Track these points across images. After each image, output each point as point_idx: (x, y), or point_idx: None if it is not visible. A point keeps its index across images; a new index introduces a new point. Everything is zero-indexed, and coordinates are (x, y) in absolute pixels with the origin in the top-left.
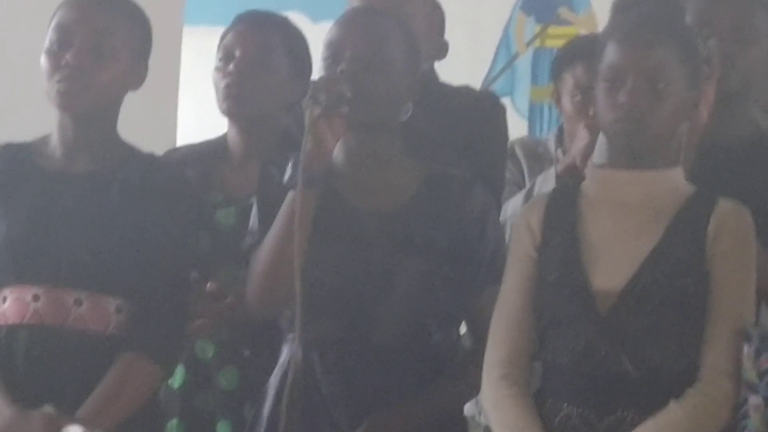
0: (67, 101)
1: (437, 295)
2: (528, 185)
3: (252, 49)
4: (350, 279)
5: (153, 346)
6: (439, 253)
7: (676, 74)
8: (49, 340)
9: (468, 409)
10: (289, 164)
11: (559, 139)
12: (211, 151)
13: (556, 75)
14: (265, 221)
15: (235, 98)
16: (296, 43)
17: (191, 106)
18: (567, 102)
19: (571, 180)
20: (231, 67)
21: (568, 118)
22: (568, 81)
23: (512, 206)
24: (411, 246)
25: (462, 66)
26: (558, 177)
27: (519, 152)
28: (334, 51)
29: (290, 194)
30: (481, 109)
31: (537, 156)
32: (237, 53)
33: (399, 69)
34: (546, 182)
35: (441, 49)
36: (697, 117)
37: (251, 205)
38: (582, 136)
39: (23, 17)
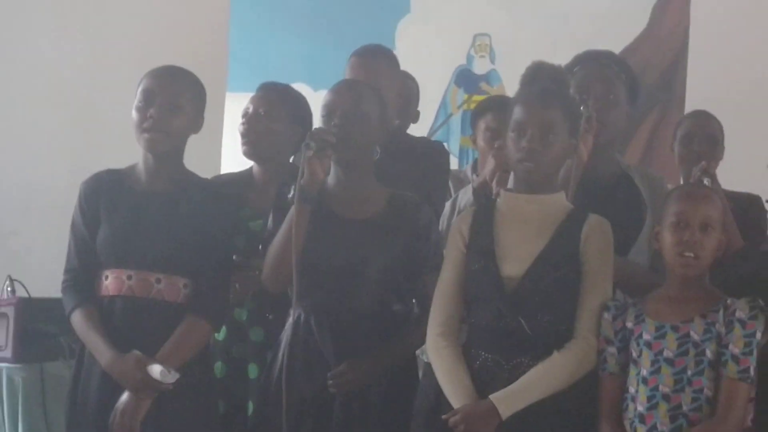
0: (151, 146)
1: (396, 278)
2: (453, 196)
3: (258, 105)
4: (336, 265)
5: (207, 311)
6: (398, 249)
7: (562, 128)
8: (137, 307)
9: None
10: (291, 188)
11: (474, 168)
12: (241, 179)
13: (473, 122)
14: (276, 224)
15: (247, 144)
16: (295, 100)
17: (232, 153)
18: (480, 140)
19: (483, 192)
20: (244, 119)
21: (481, 151)
22: (481, 125)
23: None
24: (379, 244)
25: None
26: (474, 190)
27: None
28: (329, 110)
29: (292, 208)
30: (432, 153)
31: (459, 180)
32: (250, 110)
33: (372, 122)
34: (466, 194)
35: (415, 116)
36: (579, 157)
37: None
38: (490, 162)
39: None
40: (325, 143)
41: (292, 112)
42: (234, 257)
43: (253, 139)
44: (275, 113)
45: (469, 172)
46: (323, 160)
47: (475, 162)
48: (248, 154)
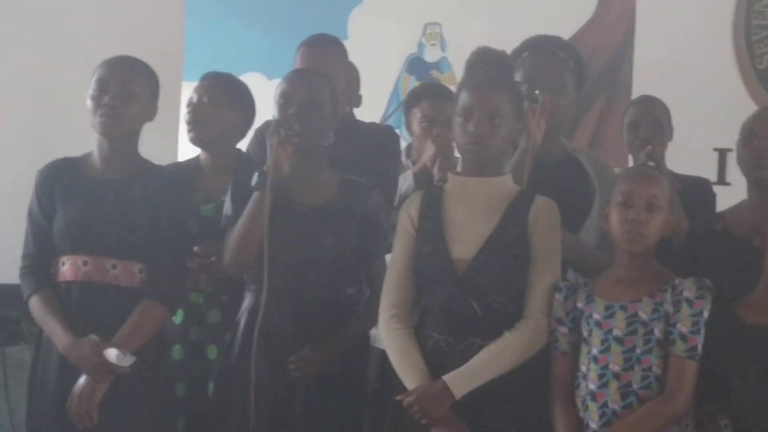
0: (105, 129)
1: (349, 262)
2: None
3: (202, 93)
4: (292, 250)
5: (162, 295)
6: (350, 233)
7: (507, 111)
8: (94, 292)
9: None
10: (255, 174)
11: (408, 153)
12: (189, 166)
13: (407, 109)
14: (237, 209)
15: (193, 131)
16: (238, 88)
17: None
18: (416, 127)
19: (423, 177)
20: (189, 108)
21: (416, 138)
22: (417, 113)
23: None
24: (331, 229)
25: (367, 109)
26: (415, 175)
27: None
28: (285, 99)
29: (256, 194)
30: (382, 138)
31: None
32: (194, 98)
33: (326, 110)
34: (406, 179)
35: (358, 100)
36: (533, 141)
37: (224, 201)
38: (430, 148)
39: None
40: (292, 131)
41: (236, 100)
42: (195, 249)
43: (199, 127)
44: (219, 101)
45: (403, 158)
46: (287, 149)
47: (409, 147)
48: (194, 140)
